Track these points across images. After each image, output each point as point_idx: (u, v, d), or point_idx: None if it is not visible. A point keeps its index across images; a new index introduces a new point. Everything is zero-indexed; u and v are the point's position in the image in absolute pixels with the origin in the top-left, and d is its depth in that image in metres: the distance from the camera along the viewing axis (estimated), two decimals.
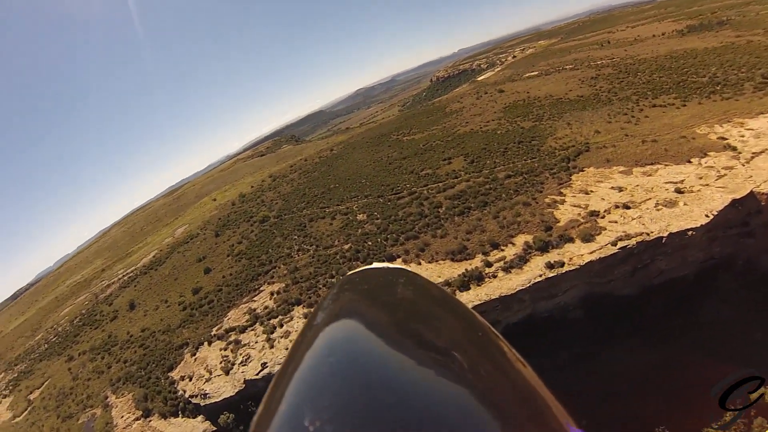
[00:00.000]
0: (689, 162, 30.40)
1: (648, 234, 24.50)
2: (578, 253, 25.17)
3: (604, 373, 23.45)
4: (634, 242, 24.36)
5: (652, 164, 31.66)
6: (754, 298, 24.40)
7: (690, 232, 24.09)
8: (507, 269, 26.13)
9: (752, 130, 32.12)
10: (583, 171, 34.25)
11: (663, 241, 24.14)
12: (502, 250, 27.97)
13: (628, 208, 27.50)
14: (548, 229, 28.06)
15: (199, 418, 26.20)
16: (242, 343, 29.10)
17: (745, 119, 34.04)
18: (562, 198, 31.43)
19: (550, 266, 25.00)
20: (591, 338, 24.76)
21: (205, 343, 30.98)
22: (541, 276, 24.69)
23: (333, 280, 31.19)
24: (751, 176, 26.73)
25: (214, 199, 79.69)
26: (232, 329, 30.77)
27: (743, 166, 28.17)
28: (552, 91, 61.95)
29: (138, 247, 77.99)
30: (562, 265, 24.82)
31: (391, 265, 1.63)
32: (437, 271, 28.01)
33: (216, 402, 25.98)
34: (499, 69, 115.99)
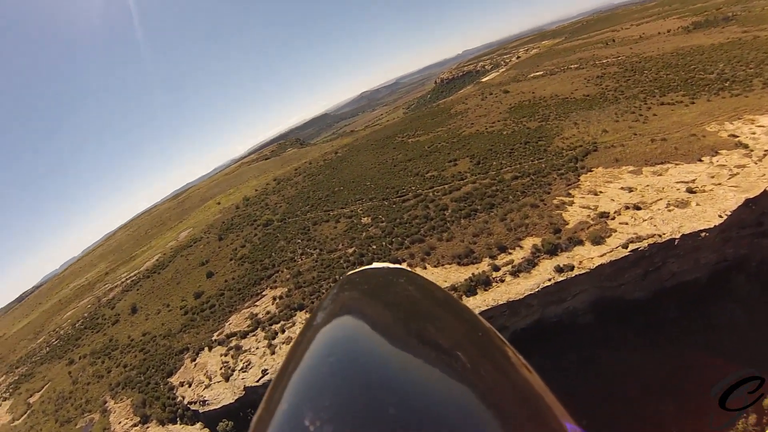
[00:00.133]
0: (700, 161, 29.68)
1: (660, 236, 23.82)
2: (588, 256, 24.52)
3: (613, 377, 22.77)
4: (646, 244, 23.69)
5: (662, 163, 30.95)
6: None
7: (703, 234, 23.40)
8: (515, 273, 25.53)
9: (763, 127, 31.38)
10: (591, 171, 33.56)
11: (675, 243, 23.46)
12: (510, 254, 27.35)
13: (638, 209, 26.82)
14: (557, 232, 27.42)
15: (198, 425, 25.82)
16: (243, 348, 28.69)
17: (756, 116, 33.28)
18: (571, 199, 30.77)
19: (559, 270, 24.37)
20: (601, 342, 24.07)
21: (206, 349, 30.61)
22: (550, 280, 24.05)
23: None
24: (765, 174, 26.00)
25: (219, 203, 79.54)
26: (233, 334, 30.38)
27: (756, 164, 27.44)
28: (557, 90, 61.23)
29: (142, 250, 78.15)
30: (572, 268, 24.17)
31: (391, 265, 1.62)
32: (443, 276, 27.44)
33: (215, 409, 25.55)
34: (503, 70, 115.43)
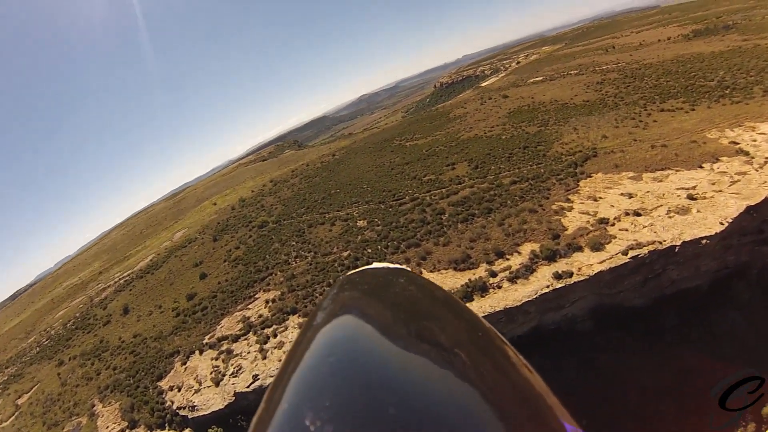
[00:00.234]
0: (701, 167, 29.39)
1: (660, 243, 23.42)
2: (587, 263, 24.11)
3: (613, 377, 22.44)
4: (646, 251, 23.28)
5: (662, 170, 30.64)
6: None
7: (704, 241, 23.02)
8: (512, 279, 25.09)
9: (764, 134, 31.14)
10: (591, 177, 33.24)
11: (676, 250, 23.08)
12: (508, 260, 26.92)
13: (638, 215, 26.45)
14: (556, 238, 27.02)
15: (186, 431, 25.20)
16: (234, 353, 28.19)
17: (757, 123, 33.06)
18: (570, 205, 30.41)
19: (557, 276, 23.93)
20: (600, 348, 23.72)
21: (197, 352, 30.09)
22: (548, 287, 23.61)
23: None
24: (766, 182, 25.69)
25: (215, 204, 79.46)
26: (225, 338, 29.89)
27: (757, 171, 27.15)
28: (557, 96, 61.12)
29: (137, 250, 78.06)
30: (571, 275, 23.75)
31: (391, 265, 1.62)
32: (439, 281, 26.96)
33: (204, 415, 24.95)
34: (503, 75, 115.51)
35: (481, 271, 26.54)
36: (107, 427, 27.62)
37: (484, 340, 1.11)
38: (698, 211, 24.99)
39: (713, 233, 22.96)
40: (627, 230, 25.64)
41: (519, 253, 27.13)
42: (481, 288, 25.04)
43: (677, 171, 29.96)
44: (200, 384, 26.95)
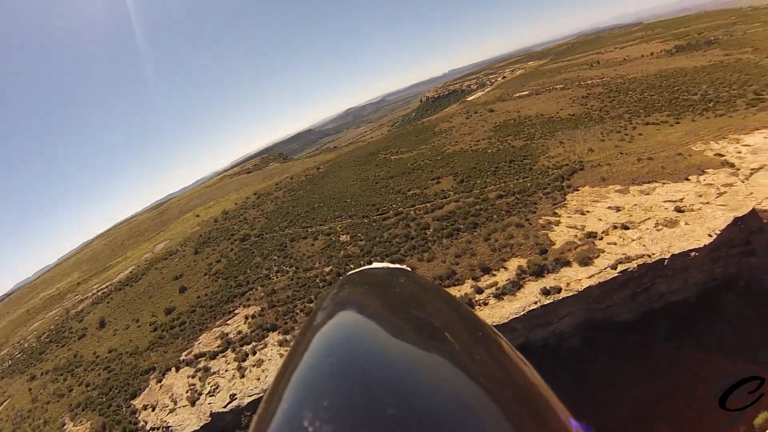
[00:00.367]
0: (687, 179, 29.81)
1: (649, 256, 23.49)
2: (576, 278, 24.00)
3: (604, 401, 22.12)
4: (635, 265, 23.31)
5: (649, 182, 31.01)
6: (757, 319, 23.48)
7: (693, 253, 23.15)
8: (499, 296, 24.82)
9: (749, 146, 31.84)
10: (578, 190, 33.50)
11: (665, 263, 23.15)
12: (494, 275, 26.70)
13: (627, 228, 26.58)
14: (543, 252, 26.94)
15: None
16: (212, 370, 27.50)
17: (741, 135, 33.83)
18: (557, 219, 30.47)
19: (545, 292, 23.74)
20: (588, 364, 23.47)
21: (173, 369, 29.40)
22: (536, 303, 23.38)
23: (311, 305, 30.16)
24: (752, 193, 26.17)
25: (198, 215, 79.21)
26: (203, 355, 29.27)
27: (743, 182, 27.64)
28: (543, 110, 62.14)
29: (117, 261, 76.99)
30: (559, 290, 23.58)
31: (391, 265, 1.64)
32: None
33: None
34: (489, 89, 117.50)
35: (466, 288, 26.22)
36: None
37: (484, 340, 1.12)
38: (686, 224, 25.19)
39: (702, 245, 23.11)
40: (615, 244, 25.71)
41: (506, 268, 26.94)
42: (467, 305, 24.62)
43: (664, 183, 30.32)
44: (175, 403, 26.19)
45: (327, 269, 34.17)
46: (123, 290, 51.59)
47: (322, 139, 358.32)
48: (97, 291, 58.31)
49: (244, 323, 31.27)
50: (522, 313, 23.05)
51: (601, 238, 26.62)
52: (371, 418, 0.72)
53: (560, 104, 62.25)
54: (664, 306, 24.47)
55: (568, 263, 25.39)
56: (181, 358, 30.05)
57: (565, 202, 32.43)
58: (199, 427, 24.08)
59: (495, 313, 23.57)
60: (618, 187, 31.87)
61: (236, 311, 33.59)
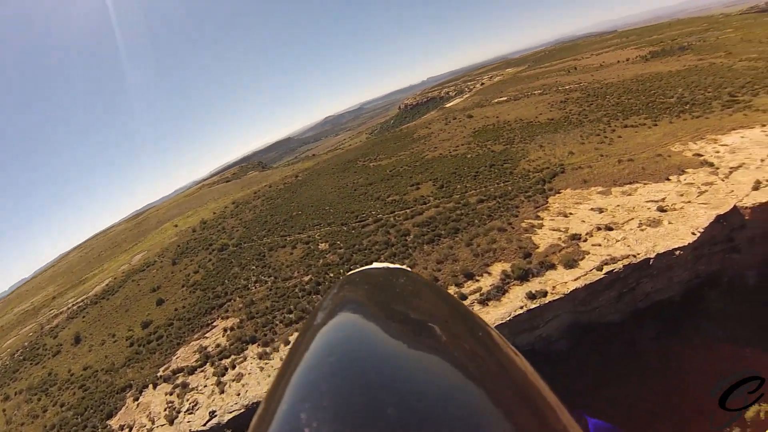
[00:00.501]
0: (668, 179, 30.33)
1: (635, 256, 23.59)
2: (562, 281, 23.88)
3: (597, 403, 21.98)
4: (621, 265, 23.35)
5: (630, 183, 31.45)
6: (741, 316, 23.86)
7: (677, 252, 23.38)
8: (483, 302, 24.47)
9: (726, 145, 32.69)
10: (559, 193, 33.73)
11: (650, 262, 23.29)
12: (478, 281, 26.41)
13: (610, 229, 26.73)
14: (527, 256, 26.81)
15: None
16: (190, 386, 26.54)
17: (718, 135, 34.77)
18: (540, 222, 30.52)
19: (531, 296, 23.51)
20: (577, 366, 23.34)
21: (150, 386, 28.37)
22: (522, 308, 23.11)
23: (291, 315, 29.71)
24: (732, 191, 26.72)
25: (176, 225, 78.46)
26: (180, 370, 28.33)
27: (723, 181, 28.24)
28: (522, 115, 63.11)
29: (93, 273, 75.29)
30: (545, 294, 23.39)
31: (391, 265, 1.66)
32: None
33: None
34: (467, 95, 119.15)
35: None
36: None
37: (485, 340, 1.12)
38: (669, 223, 25.49)
39: (686, 244, 23.37)
40: (600, 245, 25.78)
41: (489, 273, 26.69)
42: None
43: (645, 184, 30.77)
44: (153, 422, 25.04)
45: (306, 278, 33.69)
46: (99, 304, 50.51)
47: (301, 148, 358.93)
48: (73, 305, 56.99)
49: (223, 336, 30.65)
50: (508, 319, 22.75)
51: (585, 240, 26.69)
52: (371, 419, 0.73)
53: (539, 109, 63.34)
54: (650, 305, 24.62)
55: (553, 266, 25.30)
56: (158, 374, 29.25)
57: (548, 204, 32.58)
58: None
59: None
60: (600, 189, 32.21)
61: (214, 323, 33.04)
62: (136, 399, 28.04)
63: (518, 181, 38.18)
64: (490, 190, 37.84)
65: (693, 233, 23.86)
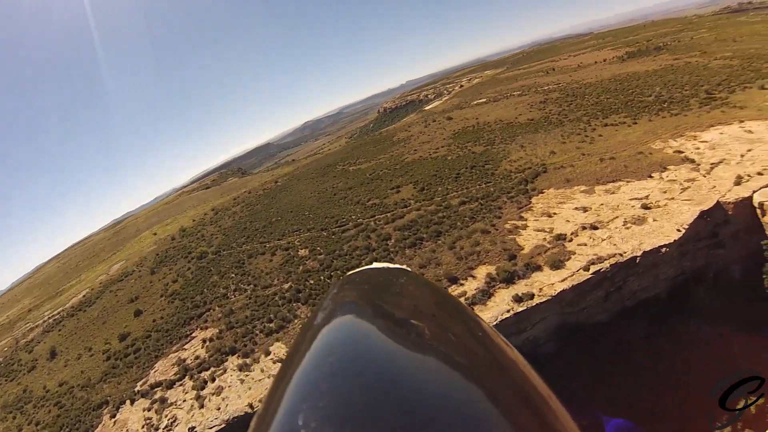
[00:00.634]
0: (651, 177, 30.64)
1: (621, 254, 23.57)
2: (548, 282, 23.67)
3: (590, 403, 21.80)
4: (608, 265, 23.30)
5: (613, 181, 31.67)
6: (728, 311, 24.19)
7: (663, 249, 23.45)
8: (469, 306, 24.07)
9: (706, 142, 33.26)
10: (543, 193, 33.76)
11: (637, 260, 23.30)
12: (462, 285, 26.05)
13: (596, 228, 26.74)
14: (512, 258, 26.59)
15: None
16: (169, 401, 25.71)
17: (698, 132, 35.41)
18: (524, 223, 30.40)
19: (518, 299, 23.20)
20: (567, 367, 23.16)
21: (127, 402, 27.43)
22: (509, 311, 22.78)
23: (271, 324, 29.08)
24: (715, 186, 27.06)
25: (155, 233, 77.22)
26: (159, 384, 27.50)
27: (704, 177, 28.61)
28: (501, 116, 63.54)
29: (70, 284, 73.16)
30: (532, 296, 23.12)
31: (391, 265, 1.67)
32: None
33: None
34: (446, 98, 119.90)
35: None
36: None
37: (485, 340, 1.13)
38: (654, 220, 25.62)
39: (671, 240, 23.47)
40: (586, 245, 25.73)
41: (474, 277, 26.37)
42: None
43: (628, 182, 31.01)
44: None
45: (286, 286, 33.12)
46: (76, 316, 49.19)
47: (281, 153, 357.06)
48: (49, 318, 55.38)
49: (202, 347, 29.87)
50: (494, 323, 22.32)
51: (570, 240, 26.62)
52: (371, 419, 0.74)
53: (519, 110, 63.90)
54: (637, 304, 24.68)
55: (539, 268, 25.09)
56: (136, 389, 28.37)
57: (531, 205, 32.54)
58: None
59: None
60: (583, 188, 32.34)
61: (193, 334, 32.25)
62: (113, 416, 27.13)
63: (500, 181, 38.14)
64: (472, 192, 37.69)
65: (678, 230, 24.00)
